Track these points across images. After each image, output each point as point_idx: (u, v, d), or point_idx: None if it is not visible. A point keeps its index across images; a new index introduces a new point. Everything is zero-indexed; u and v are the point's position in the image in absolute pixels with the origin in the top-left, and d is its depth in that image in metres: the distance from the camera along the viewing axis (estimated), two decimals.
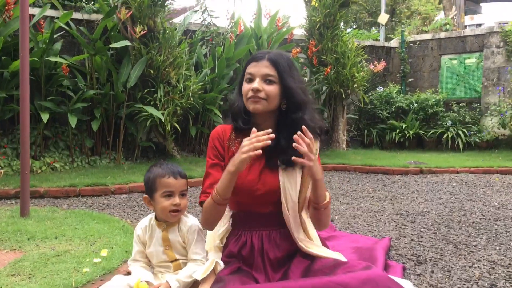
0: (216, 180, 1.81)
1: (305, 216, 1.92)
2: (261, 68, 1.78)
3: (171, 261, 1.87)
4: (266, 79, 1.78)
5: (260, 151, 1.62)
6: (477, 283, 2.24)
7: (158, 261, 1.88)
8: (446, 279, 2.30)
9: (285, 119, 1.83)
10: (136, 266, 1.90)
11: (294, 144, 1.64)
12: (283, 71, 1.78)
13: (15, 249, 2.60)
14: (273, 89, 1.78)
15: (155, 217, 1.90)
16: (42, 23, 5.10)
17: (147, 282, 1.77)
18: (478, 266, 2.48)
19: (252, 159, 1.85)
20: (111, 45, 5.55)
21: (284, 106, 1.81)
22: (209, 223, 1.85)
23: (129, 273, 2.16)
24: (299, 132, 1.65)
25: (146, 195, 1.88)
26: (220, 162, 1.87)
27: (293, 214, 1.83)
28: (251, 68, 1.80)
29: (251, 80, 1.79)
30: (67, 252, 2.52)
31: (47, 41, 5.07)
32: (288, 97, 1.80)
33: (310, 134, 1.67)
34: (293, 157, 1.66)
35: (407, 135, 8.35)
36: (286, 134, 1.79)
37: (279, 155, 1.82)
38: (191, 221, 1.88)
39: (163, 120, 5.58)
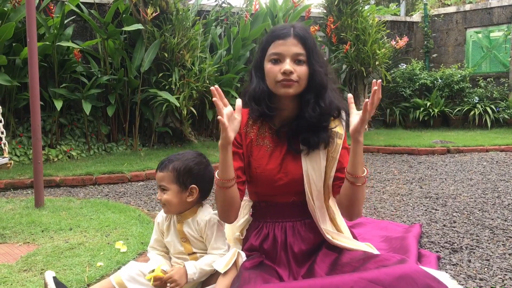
0: (235, 169, 1.65)
1: (333, 205, 1.75)
2: (290, 47, 1.58)
3: (188, 254, 1.76)
4: (296, 59, 1.59)
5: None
6: None
7: (175, 252, 1.78)
8: (485, 269, 2.11)
9: (305, 101, 1.65)
10: (154, 254, 1.80)
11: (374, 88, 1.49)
12: (311, 49, 1.60)
13: (28, 242, 2.52)
14: (304, 70, 1.59)
15: None
16: (52, 7, 4.97)
17: (163, 270, 1.65)
18: None
19: (272, 146, 1.70)
20: (123, 29, 5.40)
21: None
22: (224, 212, 1.64)
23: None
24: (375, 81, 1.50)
25: None
26: (237, 150, 1.70)
27: (319, 204, 1.67)
28: (278, 47, 1.60)
29: (277, 61, 1.60)
30: (81, 245, 2.43)
31: (58, 26, 4.95)
32: (312, 78, 1.62)
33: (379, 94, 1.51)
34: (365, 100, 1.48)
35: (432, 113, 8.04)
36: (307, 116, 1.63)
37: (300, 137, 1.66)
38: (209, 214, 1.73)
39: (178, 105, 5.44)
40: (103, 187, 4.19)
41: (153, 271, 1.60)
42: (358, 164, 1.52)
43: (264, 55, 1.65)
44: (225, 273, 1.59)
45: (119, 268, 2.14)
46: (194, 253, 1.75)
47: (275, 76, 1.59)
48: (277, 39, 1.60)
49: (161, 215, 1.81)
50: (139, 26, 5.39)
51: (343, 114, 1.73)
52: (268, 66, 1.62)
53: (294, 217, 1.71)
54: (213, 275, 1.66)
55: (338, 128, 1.71)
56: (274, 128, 1.71)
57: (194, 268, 1.62)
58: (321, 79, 1.62)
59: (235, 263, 1.63)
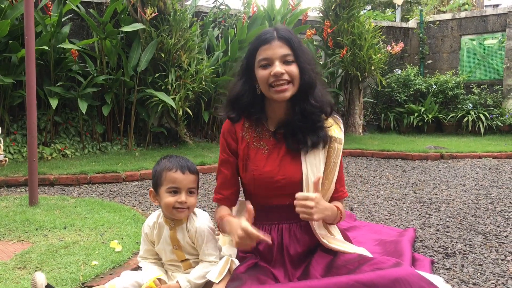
0: (227, 179, 1.74)
1: None
2: (276, 49, 1.61)
3: (181, 261, 1.73)
4: (285, 60, 1.61)
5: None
6: None
7: (167, 259, 1.75)
8: (478, 273, 2.13)
9: (296, 100, 1.67)
10: (147, 263, 1.78)
11: (296, 209, 1.54)
12: (297, 48, 1.63)
13: (22, 240, 2.51)
14: (294, 68, 1.62)
15: (163, 214, 1.76)
16: (49, 5, 4.96)
17: (160, 279, 1.64)
18: None
19: (269, 148, 1.71)
20: (122, 29, 5.38)
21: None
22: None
23: (139, 267, 2.05)
24: (298, 195, 1.53)
25: (151, 189, 1.72)
26: (229, 157, 1.75)
27: None
28: (264, 52, 1.62)
29: (267, 66, 1.62)
30: (76, 243, 2.42)
31: (55, 24, 4.93)
32: (301, 77, 1.64)
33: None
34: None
35: (426, 119, 8.10)
36: (301, 115, 1.66)
37: (297, 137, 1.68)
38: (199, 221, 1.71)
39: (174, 106, 5.44)
40: (98, 186, 4.18)
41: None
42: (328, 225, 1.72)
43: (252, 61, 1.67)
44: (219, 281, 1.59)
45: (114, 268, 2.14)
46: (187, 259, 1.73)
47: (267, 79, 1.61)
48: (263, 44, 1.63)
49: (147, 225, 1.76)
50: (138, 25, 5.38)
51: (336, 114, 1.76)
52: (259, 72, 1.63)
53: (290, 220, 1.72)
54: (207, 283, 1.65)
55: (336, 129, 1.72)
56: (270, 130, 1.73)
57: (188, 283, 1.61)
58: (309, 76, 1.64)
59: (229, 270, 1.63)
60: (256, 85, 1.68)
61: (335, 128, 1.73)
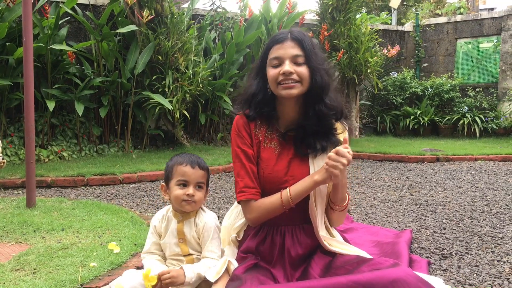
0: (255, 173, 1.69)
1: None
2: (288, 49, 1.63)
3: (184, 255, 1.76)
4: (296, 61, 1.63)
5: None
6: (508, 279, 2.09)
7: (170, 254, 1.78)
8: (475, 274, 2.15)
9: (308, 102, 1.68)
10: (151, 260, 1.79)
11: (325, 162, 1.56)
12: (309, 50, 1.64)
13: (20, 242, 2.50)
14: (304, 70, 1.63)
15: (173, 207, 1.80)
16: (47, 8, 4.96)
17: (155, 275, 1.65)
18: (508, 261, 2.33)
19: (279, 148, 1.72)
20: (118, 30, 5.40)
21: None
22: (259, 221, 1.70)
23: (139, 267, 2.06)
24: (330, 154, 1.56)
25: (163, 183, 1.79)
26: (249, 150, 1.72)
27: (320, 211, 1.70)
28: (276, 51, 1.64)
29: (278, 65, 1.64)
30: (74, 245, 2.42)
31: (53, 26, 4.94)
32: (313, 78, 1.65)
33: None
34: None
35: (422, 121, 8.15)
36: (311, 118, 1.67)
37: (307, 141, 1.69)
38: (207, 217, 1.75)
39: (171, 108, 5.44)
40: (95, 189, 4.17)
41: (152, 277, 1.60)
42: (338, 199, 1.69)
43: (265, 61, 1.69)
44: (217, 280, 1.61)
45: (112, 269, 2.14)
46: (190, 254, 1.76)
47: (276, 78, 1.63)
48: (275, 43, 1.65)
49: (156, 218, 1.80)
50: (133, 27, 5.39)
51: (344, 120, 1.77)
52: (270, 71, 1.66)
53: (293, 222, 1.72)
54: (205, 282, 1.66)
55: (345, 135, 1.74)
56: (280, 131, 1.74)
57: (192, 273, 1.63)
58: (321, 77, 1.64)
59: (227, 270, 1.65)
60: (267, 85, 1.69)
61: (343, 134, 1.74)
